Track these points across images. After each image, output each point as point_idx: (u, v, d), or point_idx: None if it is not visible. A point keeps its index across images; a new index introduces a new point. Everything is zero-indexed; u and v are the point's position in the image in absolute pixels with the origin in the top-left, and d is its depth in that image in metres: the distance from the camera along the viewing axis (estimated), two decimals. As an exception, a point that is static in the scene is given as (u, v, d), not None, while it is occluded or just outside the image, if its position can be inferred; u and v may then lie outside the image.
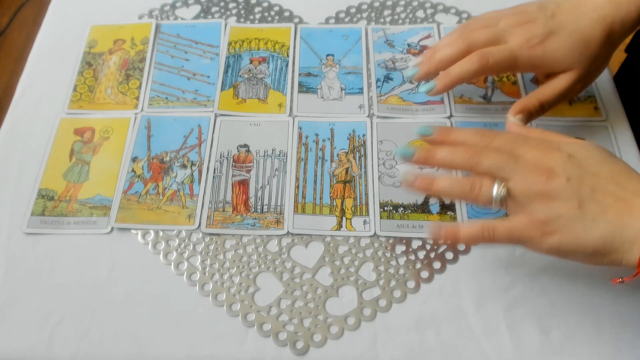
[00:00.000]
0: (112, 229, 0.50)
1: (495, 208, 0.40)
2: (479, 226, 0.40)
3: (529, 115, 0.49)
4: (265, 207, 0.51)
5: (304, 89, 0.58)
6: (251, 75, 0.60)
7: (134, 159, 0.54)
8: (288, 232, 0.49)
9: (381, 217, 0.49)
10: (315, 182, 0.52)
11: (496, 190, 0.39)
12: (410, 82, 0.57)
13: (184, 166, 0.53)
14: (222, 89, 0.58)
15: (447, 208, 0.50)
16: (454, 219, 0.49)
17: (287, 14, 0.65)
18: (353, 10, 0.65)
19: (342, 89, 0.58)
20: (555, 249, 0.38)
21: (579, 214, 0.37)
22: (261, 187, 0.52)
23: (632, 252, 0.36)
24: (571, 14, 0.47)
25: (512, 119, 0.48)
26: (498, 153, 0.41)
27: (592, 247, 0.37)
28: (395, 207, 0.50)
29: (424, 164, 0.44)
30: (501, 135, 0.42)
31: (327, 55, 0.61)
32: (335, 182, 0.52)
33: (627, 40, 0.71)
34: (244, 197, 0.51)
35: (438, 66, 0.50)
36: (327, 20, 0.64)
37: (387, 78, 0.59)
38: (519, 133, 0.43)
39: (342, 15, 0.64)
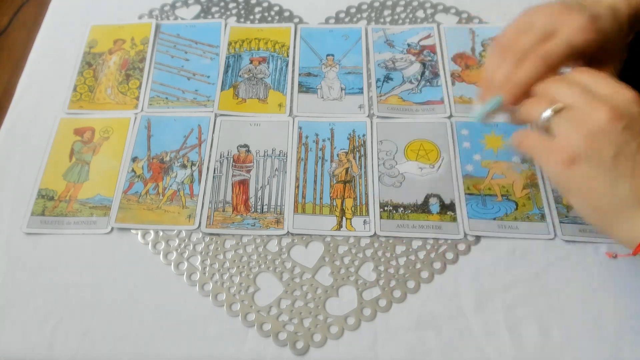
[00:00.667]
0: (112, 229, 0.50)
1: (540, 127, 0.39)
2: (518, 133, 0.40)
3: None
4: (265, 207, 0.51)
5: (304, 89, 0.58)
6: (251, 75, 0.60)
7: (134, 159, 0.54)
8: (288, 232, 0.49)
9: (381, 217, 0.49)
10: (315, 182, 0.52)
11: (548, 111, 0.38)
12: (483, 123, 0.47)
13: (184, 166, 0.53)
14: (222, 89, 0.58)
15: (447, 208, 0.50)
16: (454, 218, 0.49)
17: (287, 14, 0.65)
18: (353, 10, 0.65)
19: (342, 89, 0.58)
20: (564, 181, 0.38)
21: (610, 163, 0.36)
22: (261, 187, 0.52)
23: (633, 230, 0.35)
24: (599, 5, 0.45)
25: None
26: (574, 84, 0.39)
27: (598, 200, 0.36)
28: (395, 207, 0.50)
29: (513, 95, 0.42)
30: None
31: (327, 55, 0.61)
32: (335, 182, 0.52)
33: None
34: (244, 197, 0.51)
35: (525, 89, 0.43)
36: (327, 20, 0.64)
37: (387, 78, 0.59)
38: (600, 78, 0.40)
39: (342, 15, 0.64)
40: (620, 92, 0.38)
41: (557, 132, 0.38)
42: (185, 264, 0.48)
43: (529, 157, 0.39)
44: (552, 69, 0.43)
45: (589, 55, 0.45)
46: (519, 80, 0.42)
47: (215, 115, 0.56)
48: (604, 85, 0.39)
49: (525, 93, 0.42)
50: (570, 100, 0.38)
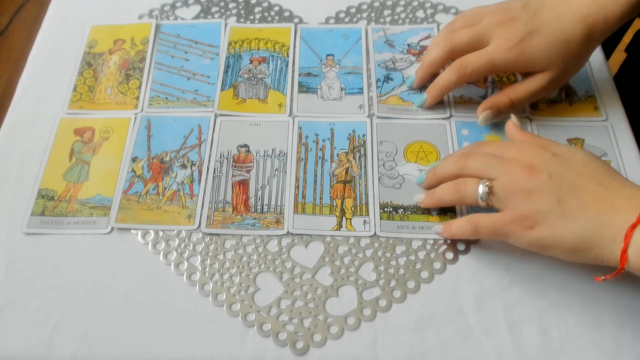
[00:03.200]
0: (112, 229, 0.50)
1: (482, 205, 0.42)
2: (464, 220, 0.43)
3: (498, 112, 0.51)
4: (265, 207, 0.51)
5: (304, 89, 0.58)
6: (251, 75, 0.60)
7: (134, 159, 0.54)
8: (288, 232, 0.49)
9: (381, 218, 0.49)
10: (315, 182, 0.52)
11: (481, 188, 0.41)
12: (412, 89, 0.58)
13: (184, 166, 0.53)
14: (222, 89, 0.58)
15: (446, 209, 0.50)
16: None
17: (287, 14, 0.65)
18: (353, 10, 0.65)
19: (342, 89, 0.58)
20: (536, 243, 0.40)
21: (559, 209, 0.38)
22: (261, 187, 0.52)
23: (612, 249, 0.37)
24: (553, 12, 0.47)
25: (481, 115, 0.51)
26: (483, 156, 0.43)
27: (571, 241, 0.38)
28: (396, 208, 0.50)
29: (433, 183, 0.48)
30: (489, 144, 0.46)
31: (327, 55, 0.61)
32: (335, 182, 0.52)
33: (627, 40, 0.71)
34: (244, 197, 0.51)
35: (427, 70, 0.54)
36: (327, 20, 0.64)
37: (387, 78, 0.59)
38: (505, 142, 0.45)
39: (342, 15, 0.64)
40: (526, 151, 0.42)
41: (499, 206, 0.42)
42: (185, 264, 0.48)
43: (488, 237, 0.45)
44: (469, 79, 0.51)
45: (517, 67, 0.51)
46: (437, 86, 0.52)
47: (215, 115, 0.56)
48: (509, 148, 0.43)
49: (442, 95, 0.53)
50: (491, 174, 0.42)
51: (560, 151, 0.41)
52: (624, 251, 0.36)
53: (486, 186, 0.41)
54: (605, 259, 0.38)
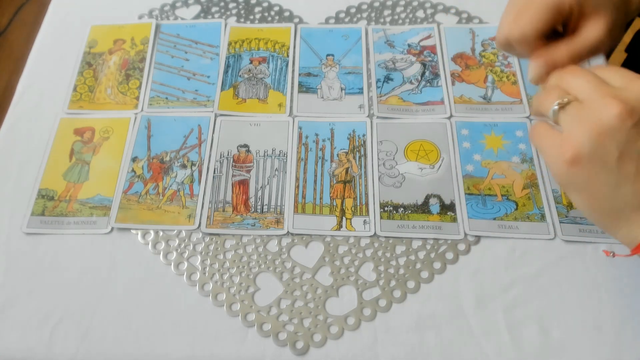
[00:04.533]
0: (112, 229, 0.50)
1: (552, 120, 0.37)
2: (543, 97, 0.38)
3: (553, 66, 0.42)
4: (265, 207, 0.51)
5: (304, 89, 0.58)
6: (251, 75, 0.60)
7: (134, 159, 0.54)
8: (288, 232, 0.49)
9: (381, 218, 0.49)
10: (315, 182, 0.52)
11: (556, 104, 0.36)
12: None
13: (184, 166, 0.53)
14: (222, 89, 0.58)
15: (447, 208, 0.50)
16: (454, 219, 0.49)
17: (287, 14, 0.65)
18: (353, 10, 0.65)
19: (342, 89, 0.58)
20: (561, 176, 0.36)
21: (614, 165, 0.34)
22: (261, 187, 0.52)
23: (634, 232, 0.35)
24: None
25: (533, 66, 0.42)
26: (584, 75, 0.37)
27: (600, 201, 0.35)
28: (396, 207, 0.50)
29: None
30: (606, 68, 0.39)
31: (327, 55, 0.61)
32: (335, 182, 0.52)
33: (627, 40, 0.71)
34: (244, 197, 0.51)
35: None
36: (327, 20, 0.64)
37: (387, 78, 0.59)
38: (621, 70, 0.38)
39: (342, 15, 0.64)
40: (634, 83, 0.36)
41: (564, 126, 0.36)
42: (185, 264, 0.48)
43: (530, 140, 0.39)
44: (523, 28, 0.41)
45: (576, 14, 0.41)
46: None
47: (215, 115, 0.56)
48: (619, 77, 0.37)
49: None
50: (581, 94, 0.36)
51: None
52: None
53: (558, 104, 0.36)
54: (619, 235, 0.36)
